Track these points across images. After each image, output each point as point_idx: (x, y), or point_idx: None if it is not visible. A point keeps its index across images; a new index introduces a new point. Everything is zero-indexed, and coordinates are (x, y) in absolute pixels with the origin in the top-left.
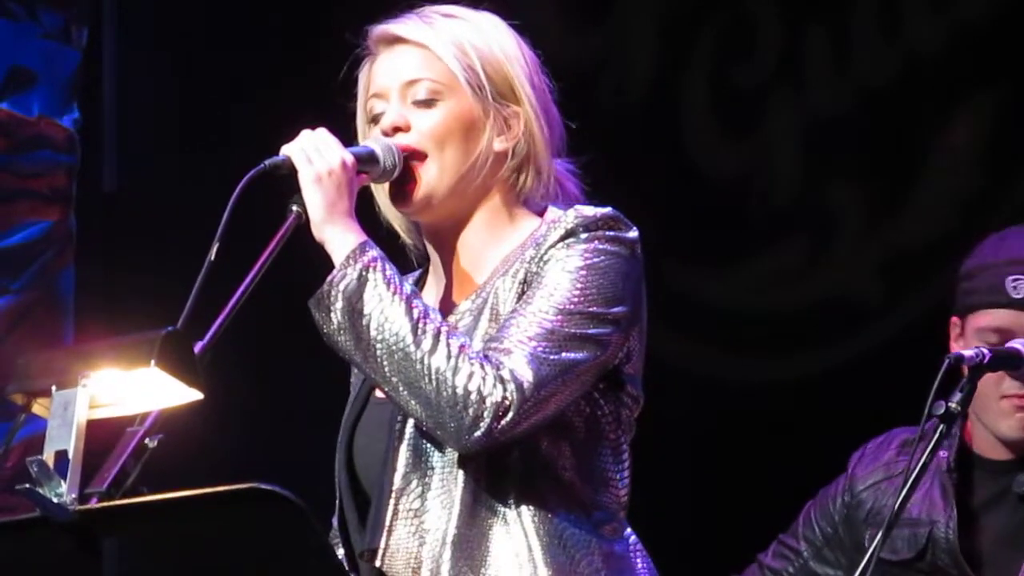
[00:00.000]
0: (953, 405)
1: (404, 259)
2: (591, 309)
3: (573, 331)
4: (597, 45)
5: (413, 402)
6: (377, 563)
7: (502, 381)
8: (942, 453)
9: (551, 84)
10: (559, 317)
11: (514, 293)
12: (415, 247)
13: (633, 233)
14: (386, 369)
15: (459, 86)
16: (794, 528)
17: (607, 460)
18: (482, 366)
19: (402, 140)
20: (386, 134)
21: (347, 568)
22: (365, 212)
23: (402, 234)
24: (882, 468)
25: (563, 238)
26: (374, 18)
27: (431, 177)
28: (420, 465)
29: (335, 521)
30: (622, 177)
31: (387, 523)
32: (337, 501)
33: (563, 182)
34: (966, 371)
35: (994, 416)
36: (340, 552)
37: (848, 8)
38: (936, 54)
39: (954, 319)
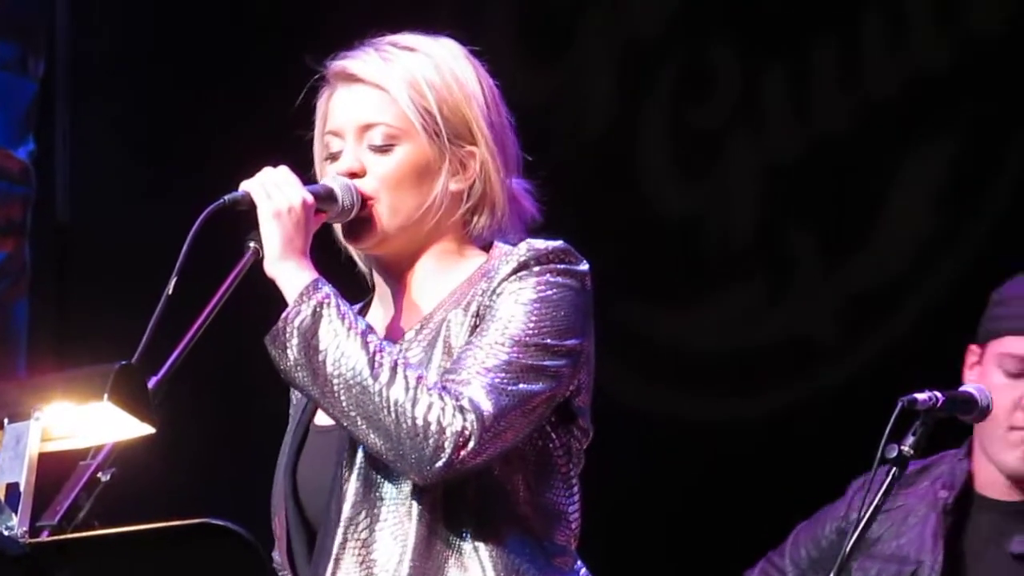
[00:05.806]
0: (906, 449)
1: (358, 288)
2: (545, 341)
3: (529, 362)
4: (555, 81)
5: (373, 435)
6: None
7: (462, 411)
8: (942, 493)
9: (507, 110)
10: (515, 348)
11: (467, 326)
12: (367, 275)
13: (584, 266)
14: (344, 403)
15: (415, 130)
16: (782, 547)
17: (559, 493)
18: (441, 397)
19: (357, 184)
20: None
21: None
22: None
23: (358, 262)
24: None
25: (515, 271)
26: (333, 53)
27: (384, 218)
28: (370, 496)
29: (276, 555)
30: (578, 215)
31: (334, 553)
32: (283, 532)
33: (520, 201)
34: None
35: (1000, 447)
36: None
37: (806, 54)
38: (892, 100)
39: (972, 347)
